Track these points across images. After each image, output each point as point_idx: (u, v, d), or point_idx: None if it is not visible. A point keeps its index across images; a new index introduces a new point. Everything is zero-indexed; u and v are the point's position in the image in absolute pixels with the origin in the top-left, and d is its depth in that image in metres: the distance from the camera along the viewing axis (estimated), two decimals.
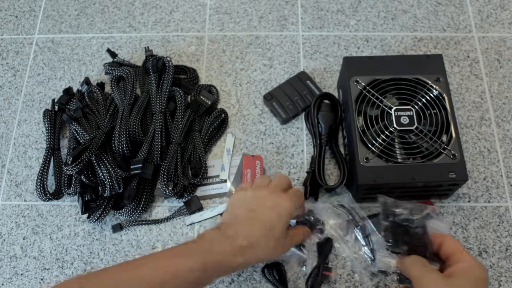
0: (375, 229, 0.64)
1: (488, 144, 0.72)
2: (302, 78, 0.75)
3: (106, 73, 0.78)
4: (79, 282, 0.47)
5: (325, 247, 0.64)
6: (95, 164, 0.66)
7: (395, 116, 0.64)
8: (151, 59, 0.74)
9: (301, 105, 0.73)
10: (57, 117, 0.74)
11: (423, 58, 0.69)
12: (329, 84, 0.77)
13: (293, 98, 0.73)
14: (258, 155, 0.71)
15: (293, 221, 0.64)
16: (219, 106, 0.75)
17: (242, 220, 0.55)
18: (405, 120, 0.64)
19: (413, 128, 0.64)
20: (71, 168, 0.64)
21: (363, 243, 0.64)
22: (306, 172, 0.69)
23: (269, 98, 0.74)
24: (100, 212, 0.66)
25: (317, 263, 0.63)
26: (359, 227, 0.65)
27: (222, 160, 0.71)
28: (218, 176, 0.70)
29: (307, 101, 0.74)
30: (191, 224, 0.67)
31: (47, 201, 0.69)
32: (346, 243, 0.65)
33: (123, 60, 0.78)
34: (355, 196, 0.66)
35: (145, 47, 0.77)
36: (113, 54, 0.78)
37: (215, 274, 0.52)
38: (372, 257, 0.63)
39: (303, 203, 0.61)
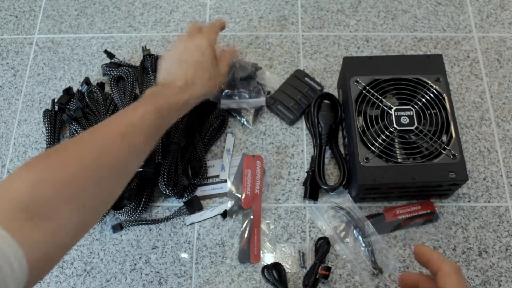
0: (375, 230, 0.64)
1: (488, 144, 0.72)
2: (299, 76, 0.75)
3: (104, 74, 0.78)
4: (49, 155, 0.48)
5: (322, 246, 0.64)
6: None
7: (395, 116, 0.64)
8: (149, 59, 0.74)
9: (305, 103, 0.73)
10: (57, 117, 0.74)
11: (423, 58, 0.69)
12: (329, 84, 0.77)
13: (295, 97, 0.73)
14: (258, 155, 0.71)
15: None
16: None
17: (173, 68, 0.62)
18: (405, 120, 0.64)
19: (413, 128, 0.64)
20: None
21: (363, 244, 0.64)
22: (306, 172, 0.69)
23: (272, 102, 0.74)
24: None
25: (313, 262, 0.63)
26: (358, 228, 0.65)
27: (222, 160, 0.71)
28: (218, 176, 0.70)
29: (310, 98, 0.73)
30: (191, 224, 0.67)
31: None
32: (346, 244, 0.65)
33: (120, 60, 0.78)
34: (355, 196, 0.66)
35: (142, 47, 0.77)
36: (110, 55, 0.78)
37: (169, 113, 0.57)
38: (373, 258, 0.64)
39: (217, 31, 0.69)
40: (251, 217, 0.67)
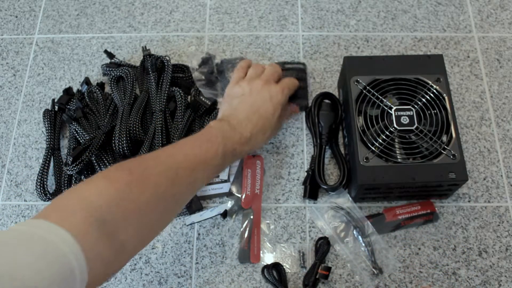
0: (375, 230, 0.64)
1: (488, 144, 0.72)
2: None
3: (104, 74, 0.78)
4: (129, 168, 0.49)
5: (322, 246, 0.64)
6: (95, 164, 0.66)
7: (395, 116, 0.64)
8: (149, 58, 0.74)
9: (304, 85, 0.73)
10: (57, 117, 0.74)
11: (423, 58, 0.69)
12: (329, 84, 0.77)
13: None
14: (258, 155, 0.71)
15: None
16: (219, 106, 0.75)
17: (243, 112, 0.61)
18: (405, 120, 0.64)
19: (413, 128, 0.64)
20: (71, 168, 0.64)
21: (363, 244, 0.64)
22: (306, 171, 0.69)
23: None
24: None
25: (313, 262, 0.63)
26: (358, 229, 0.65)
27: None
28: (218, 176, 0.70)
29: (303, 78, 0.74)
30: (191, 224, 0.67)
31: (47, 201, 0.69)
32: (346, 244, 0.65)
33: (120, 60, 0.78)
34: (355, 196, 0.66)
35: (142, 47, 0.77)
36: (110, 55, 0.78)
37: (230, 160, 0.60)
38: (373, 258, 0.64)
39: (295, 89, 0.69)
40: (251, 217, 0.67)
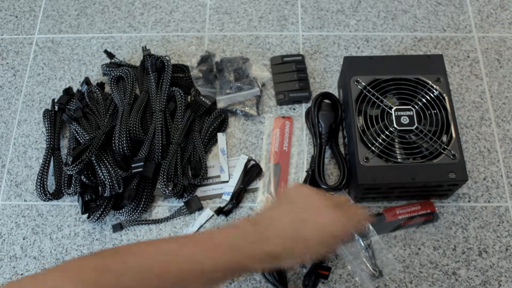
0: (374, 231, 0.64)
1: (488, 144, 0.72)
2: (278, 62, 0.77)
3: (104, 74, 0.78)
4: (96, 266, 0.43)
5: None
6: (95, 164, 0.66)
7: (395, 116, 0.64)
8: (149, 59, 0.74)
9: (304, 75, 0.76)
10: (57, 117, 0.74)
11: (423, 58, 0.69)
12: (329, 84, 0.77)
13: (293, 78, 0.75)
14: (288, 116, 0.73)
15: None
16: None
17: (286, 225, 0.49)
18: (405, 120, 0.64)
19: (413, 128, 0.64)
20: (71, 168, 0.64)
21: (363, 245, 0.64)
22: (306, 171, 0.69)
23: (282, 97, 0.75)
24: (100, 212, 0.66)
25: (313, 262, 0.63)
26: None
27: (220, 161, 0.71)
28: (218, 176, 0.70)
29: (303, 69, 0.76)
30: None
31: (47, 201, 0.69)
32: (346, 245, 0.65)
33: (120, 60, 0.78)
34: (355, 196, 0.66)
35: (142, 47, 0.77)
36: (110, 55, 0.78)
37: (235, 275, 0.50)
38: (373, 261, 0.63)
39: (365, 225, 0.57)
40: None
